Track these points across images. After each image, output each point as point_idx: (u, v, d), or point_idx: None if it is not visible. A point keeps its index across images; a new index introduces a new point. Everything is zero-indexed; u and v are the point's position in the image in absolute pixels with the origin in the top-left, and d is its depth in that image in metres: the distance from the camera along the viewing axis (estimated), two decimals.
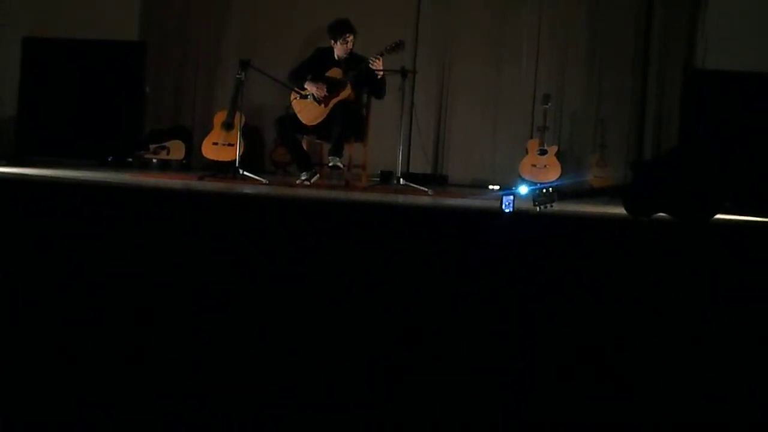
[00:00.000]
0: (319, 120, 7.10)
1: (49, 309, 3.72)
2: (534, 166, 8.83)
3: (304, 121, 7.14)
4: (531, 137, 9.12)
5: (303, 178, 7.08)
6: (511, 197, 4.49)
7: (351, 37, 7.19)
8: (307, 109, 7.12)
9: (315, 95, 7.08)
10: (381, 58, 7.02)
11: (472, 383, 3.58)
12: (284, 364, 3.65)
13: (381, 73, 7.10)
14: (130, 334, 3.69)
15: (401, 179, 7.04)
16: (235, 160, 7.15)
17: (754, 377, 3.61)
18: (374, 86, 7.23)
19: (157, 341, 3.69)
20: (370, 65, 7.02)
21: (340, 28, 7.21)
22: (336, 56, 7.25)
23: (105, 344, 3.67)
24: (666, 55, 9.25)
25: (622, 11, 9.31)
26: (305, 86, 7.13)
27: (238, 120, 7.65)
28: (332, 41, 7.25)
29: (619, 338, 3.68)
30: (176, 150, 9.27)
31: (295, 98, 7.18)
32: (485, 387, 3.58)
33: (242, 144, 7.32)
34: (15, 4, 9.42)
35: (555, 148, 8.91)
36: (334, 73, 7.17)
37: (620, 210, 4.85)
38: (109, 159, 9.14)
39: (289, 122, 7.20)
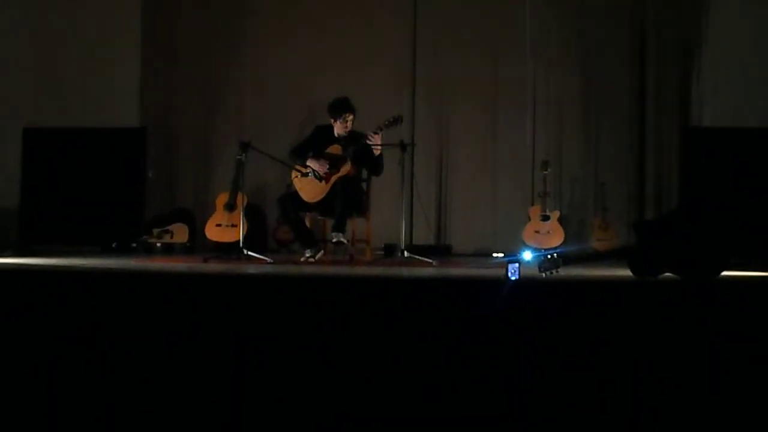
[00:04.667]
0: (321, 197, 7.13)
1: (59, 399, 3.70)
2: (537, 232, 8.84)
3: (305, 199, 7.17)
4: (532, 203, 9.14)
5: (307, 255, 7.08)
6: (517, 265, 4.48)
7: (350, 117, 7.25)
8: (309, 186, 7.15)
9: (317, 172, 7.12)
10: (379, 134, 7.07)
11: None
12: None
13: (378, 149, 7.14)
14: (137, 419, 3.66)
15: (405, 251, 7.03)
16: (239, 240, 7.16)
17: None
18: (372, 164, 7.27)
19: (163, 425, 3.66)
20: (368, 141, 7.06)
21: (340, 108, 7.27)
22: (336, 134, 7.30)
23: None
24: (661, 115, 9.33)
25: (615, 73, 9.42)
26: (307, 163, 7.17)
27: (241, 201, 7.68)
28: (332, 120, 7.31)
29: (632, 399, 3.65)
30: (180, 233, 9.29)
31: (296, 176, 7.21)
32: None
33: (245, 224, 7.33)
34: (15, 94, 9.52)
35: (557, 213, 8.92)
36: (334, 149, 7.22)
37: (626, 272, 4.83)
38: (114, 245, 9.14)
39: (291, 200, 7.22)
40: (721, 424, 3.58)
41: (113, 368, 3.75)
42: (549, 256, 4.71)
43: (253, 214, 9.12)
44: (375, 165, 7.26)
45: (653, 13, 9.42)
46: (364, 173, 7.49)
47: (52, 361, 3.78)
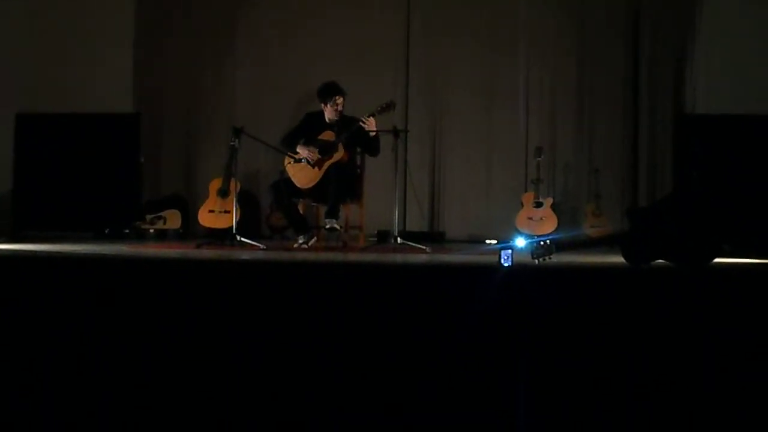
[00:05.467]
0: (314, 183, 7.11)
1: (50, 386, 3.70)
2: (530, 218, 8.85)
3: (298, 185, 7.16)
4: (525, 190, 9.16)
5: (300, 241, 7.08)
6: (510, 251, 4.48)
7: (341, 99, 7.24)
8: (302, 172, 7.14)
9: (308, 159, 7.11)
10: (373, 119, 7.07)
11: None
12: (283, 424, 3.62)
13: (374, 132, 7.14)
14: (131, 406, 3.66)
15: (398, 238, 7.02)
16: (232, 227, 7.15)
17: (759, 424, 3.58)
18: (368, 145, 7.26)
19: (157, 414, 3.66)
20: (362, 126, 7.05)
21: (329, 91, 7.26)
22: (327, 119, 7.28)
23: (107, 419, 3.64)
24: (655, 102, 9.33)
25: (609, 61, 9.41)
26: (297, 151, 7.15)
27: (234, 187, 7.67)
28: (322, 104, 7.29)
29: (626, 387, 3.66)
30: (173, 219, 9.29)
31: (289, 162, 7.20)
32: None
33: (238, 210, 7.32)
34: (7, 80, 9.48)
35: (550, 200, 8.94)
36: (327, 135, 7.20)
37: (619, 259, 4.84)
38: (107, 231, 9.12)
39: (284, 186, 7.21)
40: (713, 408, 3.59)
41: (106, 353, 3.75)
42: (542, 243, 4.72)
43: (246, 201, 9.13)
44: (371, 146, 7.26)
45: (648, 1, 9.41)
46: (358, 159, 7.48)
47: (45, 346, 3.78)
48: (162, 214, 9.31)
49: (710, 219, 4.81)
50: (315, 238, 7.21)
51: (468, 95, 9.60)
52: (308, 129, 7.31)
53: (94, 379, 3.69)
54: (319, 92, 7.32)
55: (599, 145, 9.44)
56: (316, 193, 7.19)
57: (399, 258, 6.17)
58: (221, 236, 7.45)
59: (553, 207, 8.93)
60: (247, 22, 9.90)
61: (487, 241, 8.86)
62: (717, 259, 4.78)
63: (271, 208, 9.06)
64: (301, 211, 7.38)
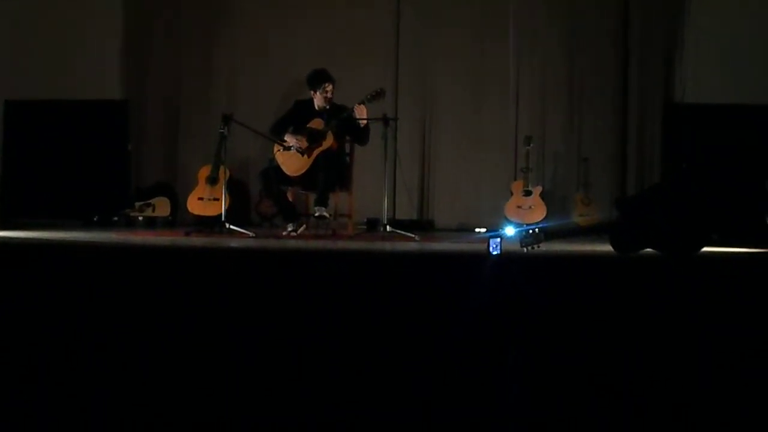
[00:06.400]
0: (303, 171, 7.10)
1: (36, 374, 3.69)
2: (519, 207, 8.86)
3: (288, 173, 7.15)
4: (515, 179, 9.17)
5: (289, 229, 7.08)
6: (498, 240, 4.49)
7: (330, 86, 7.23)
8: (291, 160, 7.13)
9: (296, 147, 7.10)
10: (363, 106, 7.05)
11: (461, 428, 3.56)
12: (273, 417, 3.63)
13: (364, 120, 7.13)
14: (118, 395, 3.66)
15: (388, 226, 7.03)
16: (221, 214, 7.14)
17: (745, 411, 3.60)
18: (357, 134, 7.25)
19: (149, 402, 3.66)
20: (353, 114, 7.04)
21: (319, 78, 7.25)
22: (316, 106, 7.27)
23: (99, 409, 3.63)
24: (644, 92, 9.34)
25: (598, 51, 9.41)
26: (286, 139, 7.14)
27: (223, 174, 7.65)
28: (312, 92, 7.28)
29: (613, 377, 3.67)
30: (161, 207, 9.27)
31: (279, 150, 7.19)
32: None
33: (227, 198, 7.31)
34: None
35: (539, 189, 8.95)
36: (316, 123, 7.19)
37: (607, 247, 4.85)
38: (95, 218, 9.11)
39: (274, 174, 7.20)
40: (703, 398, 3.61)
41: (94, 341, 3.74)
42: (531, 231, 4.73)
43: (236, 188, 9.12)
44: (360, 136, 7.25)
45: None
46: (348, 147, 7.48)
47: (32, 334, 3.77)
48: (151, 201, 9.30)
49: (699, 208, 4.82)
50: (304, 225, 7.21)
51: (458, 84, 9.60)
52: (297, 117, 7.30)
53: (81, 368, 3.68)
54: (308, 79, 7.31)
55: (588, 134, 9.45)
56: (305, 180, 7.18)
57: (388, 246, 6.17)
58: (210, 224, 7.44)
59: (542, 196, 8.95)
60: (236, 9, 9.85)
61: (476, 230, 8.88)
62: (705, 248, 4.80)
63: (260, 195, 9.06)
64: (290, 199, 7.37)
